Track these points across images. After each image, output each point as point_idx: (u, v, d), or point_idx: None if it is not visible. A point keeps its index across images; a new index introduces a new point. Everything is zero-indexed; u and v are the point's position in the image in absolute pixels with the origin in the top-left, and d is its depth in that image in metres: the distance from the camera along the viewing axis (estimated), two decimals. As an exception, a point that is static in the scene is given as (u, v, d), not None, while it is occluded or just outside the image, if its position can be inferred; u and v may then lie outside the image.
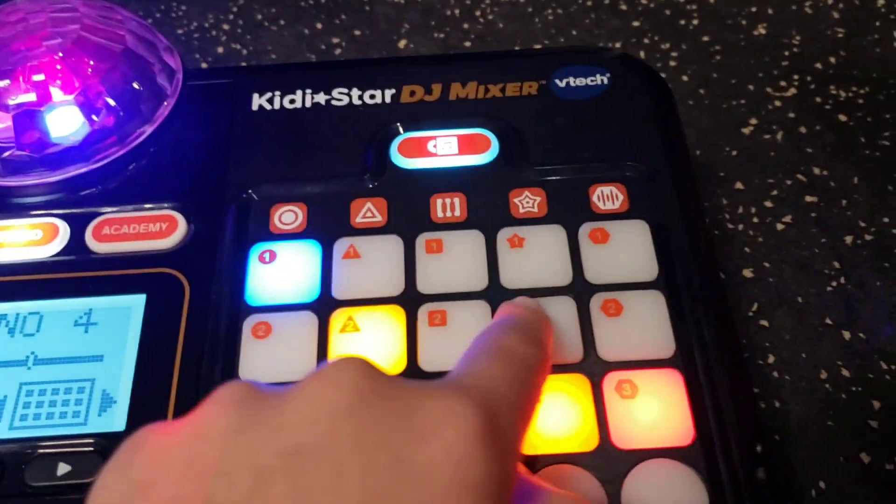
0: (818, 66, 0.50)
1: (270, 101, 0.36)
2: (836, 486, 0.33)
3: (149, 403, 0.29)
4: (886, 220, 0.41)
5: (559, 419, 0.28)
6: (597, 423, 0.27)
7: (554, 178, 0.33)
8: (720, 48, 0.52)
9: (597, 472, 0.26)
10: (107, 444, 0.28)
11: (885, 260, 0.40)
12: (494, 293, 0.30)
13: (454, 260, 0.31)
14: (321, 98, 0.36)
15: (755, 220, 0.42)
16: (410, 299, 0.30)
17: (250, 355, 0.29)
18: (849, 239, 0.41)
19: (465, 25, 0.54)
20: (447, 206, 0.32)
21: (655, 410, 0.28)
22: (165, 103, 0.35)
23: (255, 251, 0.32)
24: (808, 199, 0.43)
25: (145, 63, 0.35)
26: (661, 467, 0.27)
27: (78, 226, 0.33)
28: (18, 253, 0.32)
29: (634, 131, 0.34)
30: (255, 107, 0.36)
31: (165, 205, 0.33)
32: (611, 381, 0.28)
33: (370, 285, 0.31)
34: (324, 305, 0.30)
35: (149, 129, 0.35)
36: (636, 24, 0.54)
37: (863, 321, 0.38)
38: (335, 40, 0.54)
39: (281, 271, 0.31)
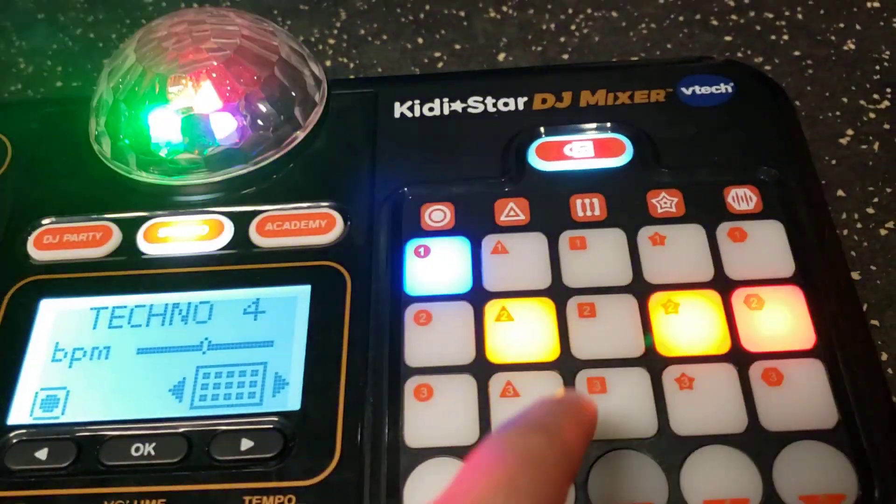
0: (910, 79, 0.52)
1: (411, 108, 0.38)
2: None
3: (321, 385, 0.31)
4: None
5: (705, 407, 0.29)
6: (746, 409, 0.29)
7: (688, 179, 0.35)
8: (811, 62, 0.54)
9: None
10: (285, 422, 0.30)
11: None
12: (639, 287, 0.32)
13: (598, 256, 0.33)
14: (458, 106, 0.38)
15: (859, 225, 0.44)
16: (559, 292, 0.32)
17: (414, 340, 0.31)
18: (953, 244, 0.42)
19: (562, 39, 0.56)
20: (587, 205, 0.34)
21: (800, 398, 0.29)
22: (315, 109, 0.38)
23: (411, 246, 0.34)
24: (911, 206, 0.45)
25: (296, 72, 0.38)
26: (808, 450, 0.28)
27: (242, 222, 0.35)
28: (187, 247, 0.35)
29: (762, 137, 0.36)
30: (397, 114, 0.38)
31: (323, 203, 0.35)
32: (756, 369, 0.30)
33: (519, 278, 0.33)
34: (477, 296, 0.32)
35: (301, 134, 0.37)
36: (728, 38, 0.56)
37: (973, 322, 0.39)
38: (437, 54, 0.57)
39: (435, 265, 0.33)
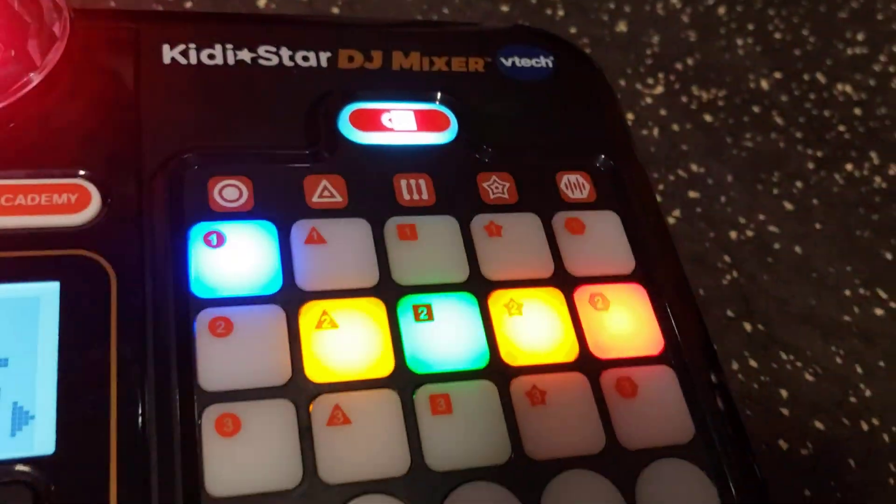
0: (678, 66, 0.52)
1: (185, 54, 0.30)
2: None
3: (82, 419, 0.23)
4: (762, 217, 0.44)
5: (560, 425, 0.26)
6: (602, 426, 0.26)
7: (519, 163, 0.31)
8: (588, 41, 0.53)
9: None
10: (35, 472, 0.22)
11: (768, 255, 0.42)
12: (479, 285, 0.28)
13: (430, 248, 0.28)
14: (246, 55, 0.31)
15: (647, 212, 0.43)
16: (388, 291, 0.27)
17: (210, 356, 0.24)
18: (733, 234, 0.43)
19: (333, -9, 0.50)
20: (413, 187, 0.29)
21: (655, 410, 0.27)
22: (55, 46, 0.29)
23: (198, 233, 0.27)
24: (692, 194, 0.45)
25: (30, -7, 0.28)
26: (669, 468, 0.26)
27: (-47, 193, 0.26)
28: None
29: (587, 119, 0.33)
30: (166, 59, 0.30)
31: (70, 171, 0.27)
32: (609, 379, 0.27)
33: (342, 275, 0.27)
34: (290, 297, 0.26)
35: (37, 78, 0.28)
36: (505, 8, 0.53)
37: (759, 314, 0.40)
38: (186, -8, 0.48)
39: (233, 257, 0.26)
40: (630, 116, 0.48)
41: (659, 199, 0.44)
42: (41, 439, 0.23)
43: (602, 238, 0.30)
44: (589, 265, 0.29)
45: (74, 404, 0.23)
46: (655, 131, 0.48)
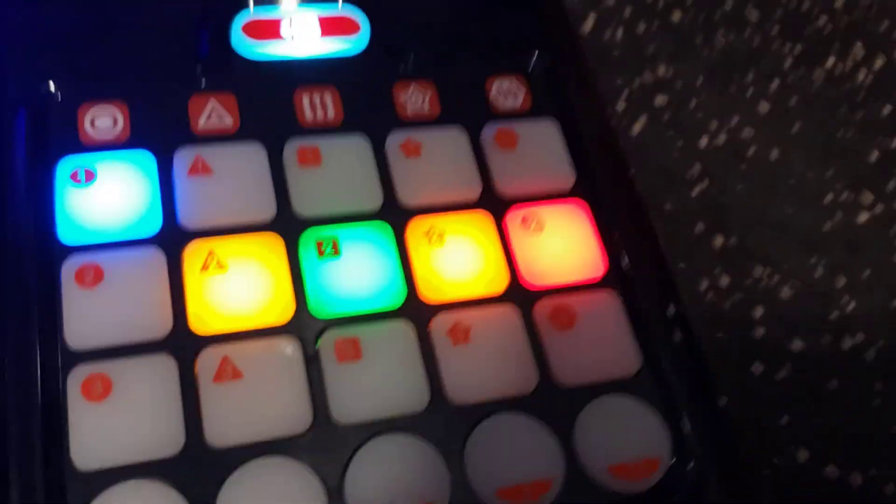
0: (644, -40, 0.48)
1: (52, -37, 0.27)
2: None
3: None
4: (736, 120, 0.40)
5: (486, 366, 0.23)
6: (535, 364, 0.23)
7: (443, 69, 0.27)
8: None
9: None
10: None
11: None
12: (393, 213, 0.24)
13: (337, 173, 0.25)
14: (124, -37, 0.27)
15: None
16: (289, 225, 0.24)
17: (76, 311, 0.21)
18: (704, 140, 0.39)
19: None
20: (317, 104, 0.26)
21: (596, 343, 0.24)
22: None
23: (64, 169, 0.23)
24: (660, 100, 0.41)
25: None
26: (612, 406, 0.23)
27: None
28: None
29: (520, 15, 0.29)
30: (29, -27, 0.26)
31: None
32: (542, 310, 0.24)
33: (232, 209, 0.24)
34: (172, 238, 0.23)
35: None
36: None
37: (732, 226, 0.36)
38: None
39: (104, 195, 0.23)
40: (592, 16, 0.44)
41: (623, 106, 0.40)
42: None
43: (537, 151, 0.26)
44: (522, 183, 0.26)
45: (-81, 373, 0.20)
46: (619, 33, 0.44)
